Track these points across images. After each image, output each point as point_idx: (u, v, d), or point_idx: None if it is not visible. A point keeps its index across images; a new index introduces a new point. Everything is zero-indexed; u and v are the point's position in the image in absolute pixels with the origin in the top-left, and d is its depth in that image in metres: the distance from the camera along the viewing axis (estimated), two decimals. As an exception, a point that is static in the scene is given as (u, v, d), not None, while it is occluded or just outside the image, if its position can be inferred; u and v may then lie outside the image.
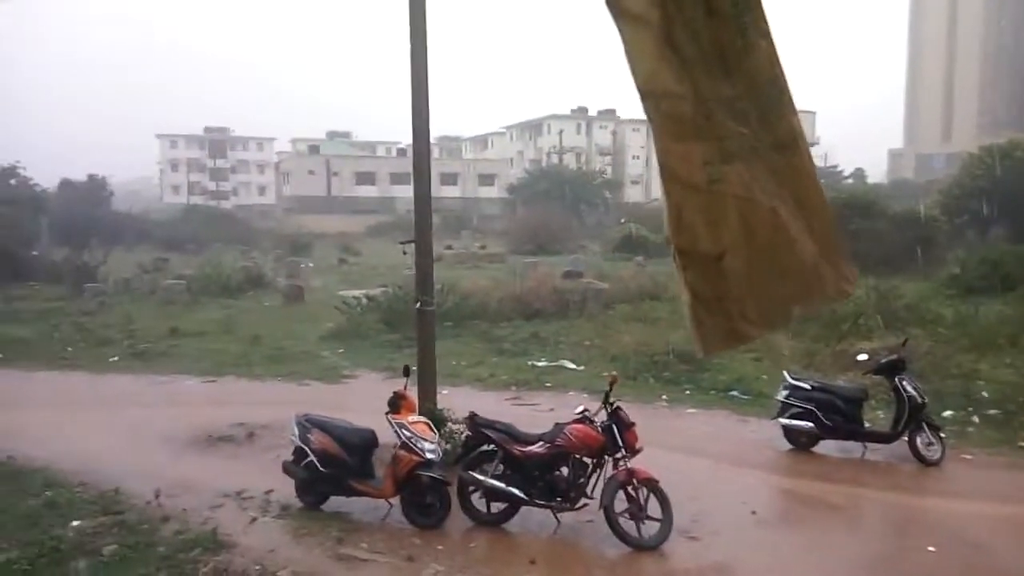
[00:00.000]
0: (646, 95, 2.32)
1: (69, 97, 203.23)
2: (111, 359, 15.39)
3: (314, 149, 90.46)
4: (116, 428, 10.61)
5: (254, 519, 7.27)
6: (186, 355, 15.67)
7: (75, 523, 6.77)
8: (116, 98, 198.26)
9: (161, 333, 17.68)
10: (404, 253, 10.03)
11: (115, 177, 50.27)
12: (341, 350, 16.23)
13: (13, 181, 39.10)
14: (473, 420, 7.45)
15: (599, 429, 7.05)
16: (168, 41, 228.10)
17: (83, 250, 27.58)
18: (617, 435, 6.95)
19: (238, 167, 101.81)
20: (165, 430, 10.35)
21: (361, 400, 11.61)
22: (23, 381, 14.06)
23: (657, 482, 6.91)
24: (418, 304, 9.28)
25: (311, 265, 34.77)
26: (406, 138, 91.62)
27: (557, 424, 7.26)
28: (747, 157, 2.44)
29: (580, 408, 7.32)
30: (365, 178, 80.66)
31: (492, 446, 7.29)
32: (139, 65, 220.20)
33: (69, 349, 16.26)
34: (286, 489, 7.74)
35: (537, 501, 7.10)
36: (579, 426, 7.07)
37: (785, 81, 2.51)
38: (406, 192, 78.20)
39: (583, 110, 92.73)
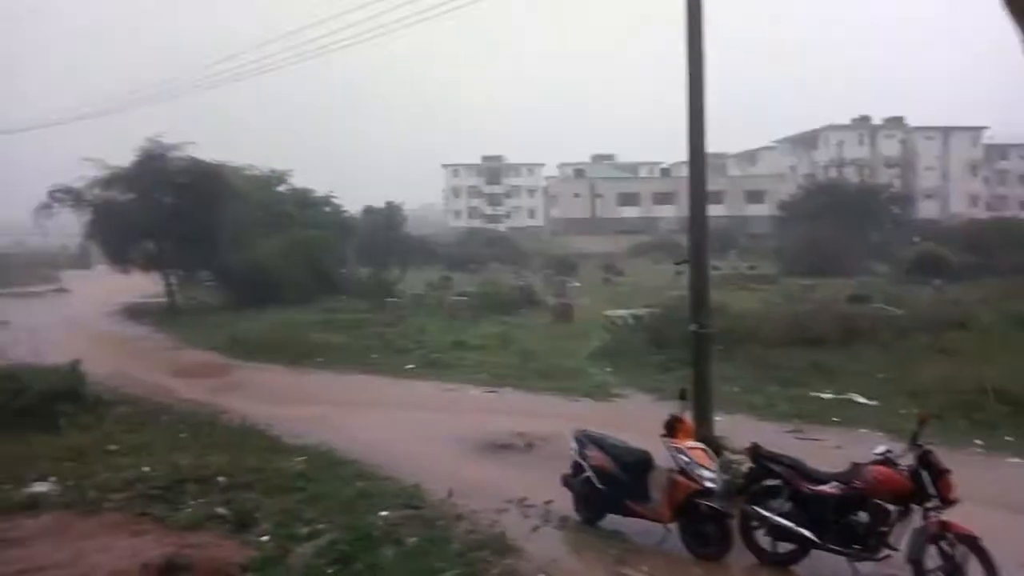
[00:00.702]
0: None
1: (369, 132, 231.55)
2: (407, 366, 17.11)
3: (579, 173, 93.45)
4: (413, 428, 11.76)
5: (536, 527, 7.58)
6: (469, 366, 16.91)
7: (383, 513, 7.55)
8: (408, 131, 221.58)
9: (447, 345, 19.29)
10: (678, 273, 9.87)
11: (407, 204, 55.93)
12: (609, 368, 16.44)
13: (328, 208, 45.15)
14: (756, 451, 7.08)
15: (905, 473, 6.31)
16: (452, 73, 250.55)
17: (383, 269, 31.06)
18: (928, 481, 6.16)
19: (511, 192, 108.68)
20: (454, 434, 11.24)
21: (631, 419, 11.64)
22: (338, 381, 16.22)
23: (978, 540, 6.00)
24: (693, 327, 9.07)
25: (578, 284, 35.80)
26: (668, 157, 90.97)
27: (854, 464, 6.64)
28: None
29: (881, 448, 6.62)
30: (628, 199, 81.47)
31: (777, 481, 6.87)
32: (425, 100, 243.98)
33: (374, 356, 18.37)
34: (564, 501, 7.97)
35: (831, 546, 6.52)
36: (881, 468, 6.39)
37: None
38: (668, 212, 77.54)
39: (865, 119, 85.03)
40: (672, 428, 7.31)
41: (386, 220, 50.13)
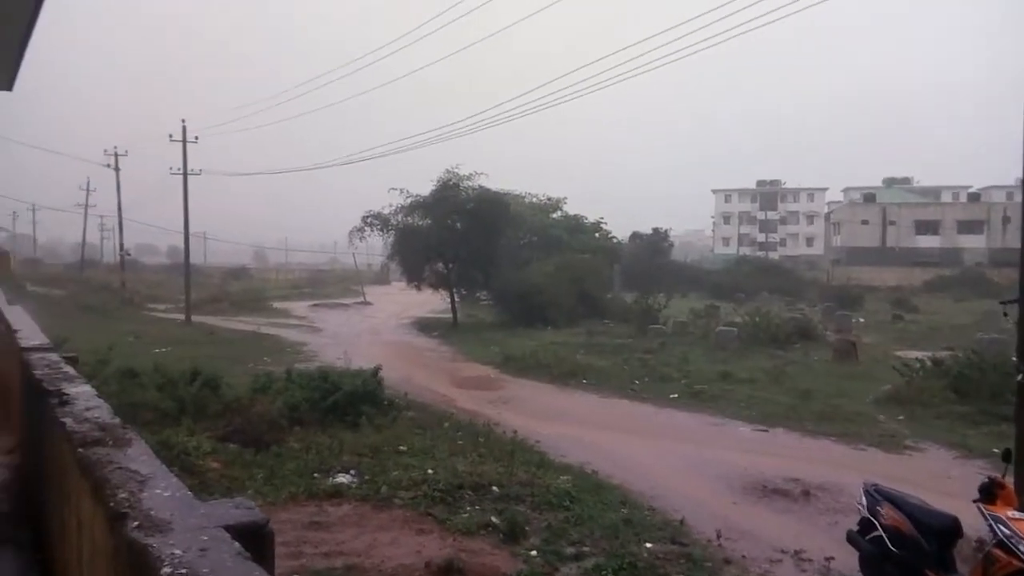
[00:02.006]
0: None
1: (641, 159, 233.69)
2: (671, 395, 16.81)
3: (869, 197, 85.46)
4: (677, 460, 11.48)
5: (814, 584, 6.98)
6: (737, 400, 16.15)
7: (648, 545, 7.45)
8: (679, 157, 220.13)
9: (714, 376, 18.63)
10: (1005, 315, 8.56)
11: (674, 230, 55.57)
12: (901, 416, 14.70)
13: (597, 234, 46.33)
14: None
15: None
16: (726, 96, 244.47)
17: (647, 294, 31.03)
18: None
19: (787, 218, 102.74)
20: (721, 471, 10.77)
21: (928, 477, 10.33)
22: (601, 404, 16.41)
23: None
24: (1021, 376, 7.77)
25: (862, 320, 32.79)
26: (978, 180, 79.89)
27: None
28: None
29: None
30: (926, 227, 72.79)
31: None
32: (704, 122, 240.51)
33: (636, 382, 18.33)
34: (846, 559, 7.23)
35: None
36: None
37: None
38: (975, 243, 67.98)
39: None
40: (990, 493, 6.29)
41: (652, 246, 50.15)
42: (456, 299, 35.09)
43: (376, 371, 14.17)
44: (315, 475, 9.52)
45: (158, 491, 2.48)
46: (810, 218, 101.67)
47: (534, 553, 7.12)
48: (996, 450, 6.87)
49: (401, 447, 11.00)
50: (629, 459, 11.37)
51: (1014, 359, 9.42)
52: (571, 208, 47.05)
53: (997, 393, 13.95)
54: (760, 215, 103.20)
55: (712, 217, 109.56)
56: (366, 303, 47.14)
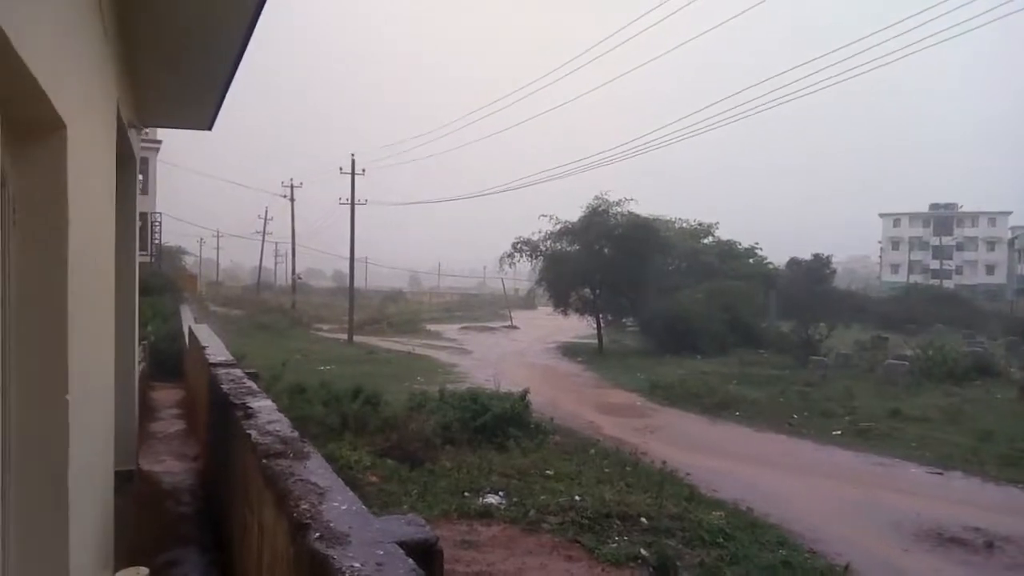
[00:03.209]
0: None
1: (802, 182, 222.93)
2: (834, 432, 15.81)
3: (1062, 221, 76.83)
4: (840, 502, 10.78)
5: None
6: (908, 440, 14.94)
7: (807, 589, 7.03)
8: (843, 179, 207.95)
9: (882, 413, 17.33)
10: None
11: (836, 256, 52.38)
12: (1104, 466, 13.01)
13: (751, 260, 44.64)
14: None
15: None
16: (889, 118, 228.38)
17: (807, 324, 29.42)
18: None
19: (964, 244, 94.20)
20: (890, 516, 10.01)
21: None
22: (754, 438, 15.72)
23: None
24: None
25: (1055, 356, 29.30)
26: None
27: None
28: None
29: None
30: None
31: None
32: (866, 146, 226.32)
33: (794, 416, 17.39)
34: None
35: None
36: None
37: None
38: None
39: None
40: None
41: (811, 273, 47.56)
42: (602, 325, 34.93)
43: (524, 395, 14.37)
44: (465, 494, 9.75)
45: (335, 504, 2.65)
46: (991, 244, 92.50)
47: (686, 590, 6.92)
48: None
49: (548, 471, 11.05)
50: (786, 498, 10.80)
51: None
52: (724, 234, 45.81)
53: None
54: (934, 240, 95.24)
55: (879, 242, 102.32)
56: (513, 327, 47.99)
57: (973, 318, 46.83)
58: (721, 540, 8.28)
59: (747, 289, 36.10)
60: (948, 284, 78.11)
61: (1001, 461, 13.26)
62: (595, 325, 34.58)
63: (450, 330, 45.19)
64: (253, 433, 3.98)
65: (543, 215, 34.13)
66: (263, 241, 71.28)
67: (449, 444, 12.44)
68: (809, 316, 32.01)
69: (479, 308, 64.86)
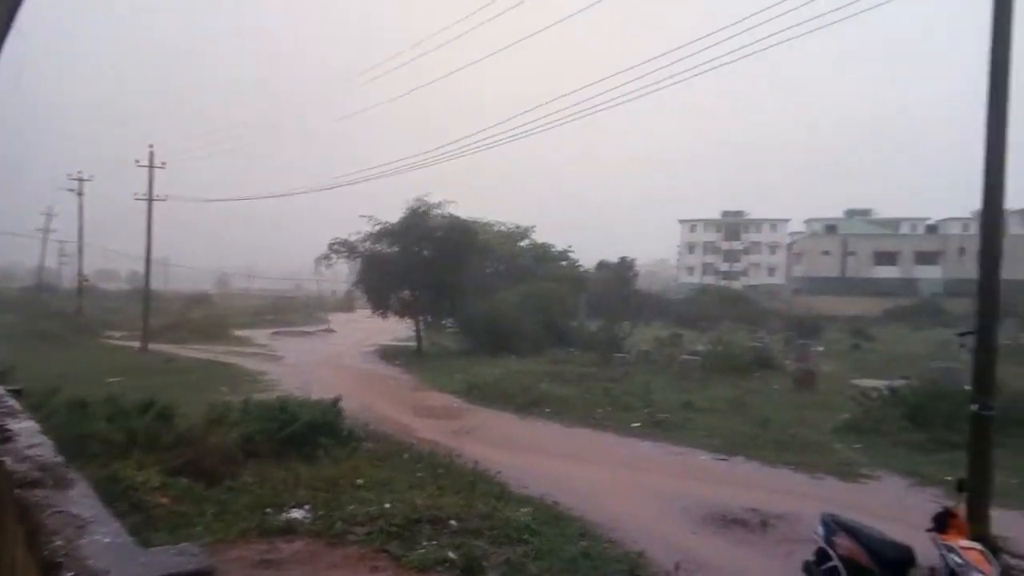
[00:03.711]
0: None
1: (611, 188, 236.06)
2: (633, 424, 16.81)
3: (830, 229, 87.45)
4: (637, 491, 11.43)
5: (770, 616, 6.95)
6: (699, 429, 16.21)
7: (606, 577, 7.38)
8: (647, 187, 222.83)
9: (676, 405, 18.70)
10: (961, 347, 8.73)
11: (640, 259, 55.99)
12: (858, 445, 14.89)
13: (564, 262, 46.56)
14: (1052, 563, 5.93)
15: None
16: (695, 127, 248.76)
17: (613, 323, 31.16)
18: None
19: (750, 248, 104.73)
20: (680, 500, 10.76)
21: (883, 506, 10.46)
22: (564, 433, 16.34)
23: None
24: (975, 407, 7.91)
25: (821, 349, 33.25)
26: (935, 212, 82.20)
27: None
28: None
29: None
30: (885, 258, 74.52)
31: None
32: (670, 153, 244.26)
33: (599, 410, 18.30)
34: (804, 591, 7.22)
35: None
36: None
37: None
38: (932, 273, 69.70)
39: None
40: (943, 523, 6.36)
41: (618, 275, 50.47)
42: (421, 327, 34.88)
43: (335, 401, 13.94)
44: (268, 510, 9.25)
45: (98, 537, 2.38)
46: (772, 248, 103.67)
47: (491, 588, 7.00)
48: (949, 478, 6.96)
49: (358, 480, 10.78)
50: (590, 490, 11.30)
51: (967, 387, 9.61)
52: (539, 237, 47.35)
53: (950, 421, 14.16)
54: (724, 245, 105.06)
55: (678, 247, 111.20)
56: (330, 330, 46.67)
57: (757, 316, 52.04)
58: (527, 536, 8.48)
59: (560, 290, 37.58)
60: (737, 285, 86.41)
61: (777, 446, 14.71)
62: (414, 327, 34.45)
63: (261, 335, 43.08)
64: (7, 460, 3.50)
65: (362, 215, 33.48)
66: (45, 238, 64.17)
67: (253, 458, 11.76)
68: (615, 316, 33.96)
69: (293, 311, 62.36)
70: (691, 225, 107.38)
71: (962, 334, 8.70)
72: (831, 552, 6.90)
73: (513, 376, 23.22)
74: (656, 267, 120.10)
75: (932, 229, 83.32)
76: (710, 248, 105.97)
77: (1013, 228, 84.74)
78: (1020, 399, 15.86)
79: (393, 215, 33.30)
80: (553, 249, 47.30)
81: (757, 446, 14.66)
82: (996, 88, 7.73)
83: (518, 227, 46.64)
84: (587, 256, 52.60)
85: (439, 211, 33.11)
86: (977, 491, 7.72)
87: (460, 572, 7.33)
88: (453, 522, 8.73)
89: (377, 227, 33.23)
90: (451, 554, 7.68)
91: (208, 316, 50.86)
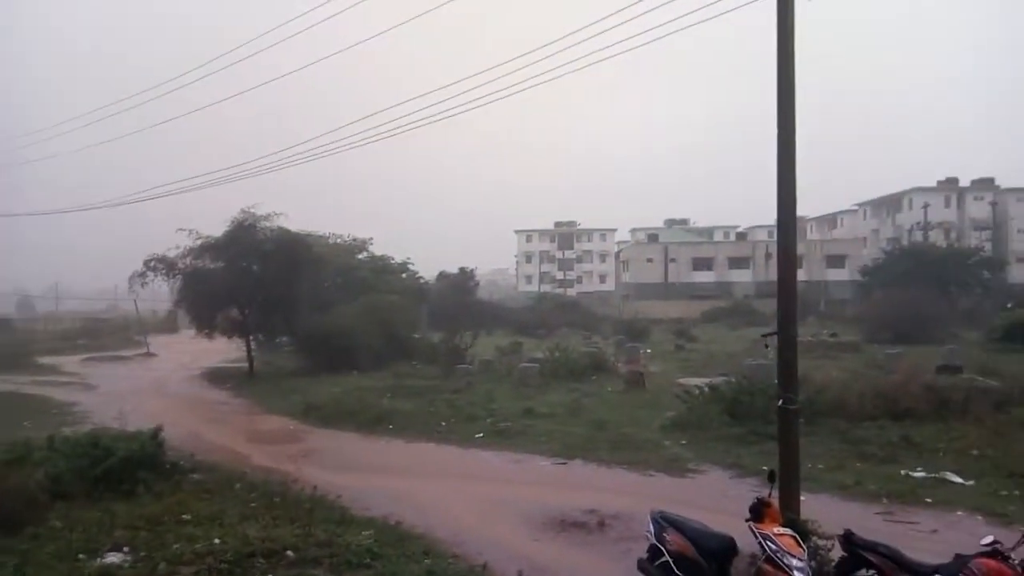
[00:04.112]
0: None
1: (445, 198, 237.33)
2: (476, 435, 16.92)
3: (652, 237, 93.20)
4: (480, 502, 11.50)
5: (610, 615, 7.20)
6: (538, 435, 16.59)
7: (450, 595, 7.34)
8: (484, 198, 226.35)
9: (517, 412, 19.04)
10: (765, 346, 9.49)
11: (480, 269, 56.82)
12: (684, 441, 15.85)
13: (404, 274, 46.22)
14: (849, 539, 6.60)
15: (1018, 568, 5.73)
16: (523, 141, 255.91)
17: (455, 333, 31.25)
18: (1045, 581, 5.58)
19: (583, 257, 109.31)
20: (522, 508, 10.95)
21: (708, 498, 11.17)
22: (407, 449, 16.15)
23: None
24: (781, 402, 8.63)
25: (649, 351, 35.16)
26: (744, 221, 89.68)
27: (958, 555, 6.09)
28: None
29: (988, 538, 6.05)
30: (702, 263, 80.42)
31: (872, 572, 6.36)
32: (496, 167, 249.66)
33: (442, 423, 18.27)
34: (639, 587, 7.55)
35: (933, 647, 5.96)
36: (990, 561, 5.82)
37: None
38: (743, 276, 75.98)
39: (952, 181, 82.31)
40: (758, 512, 6.90)
41: (458, 285, 50.85)
42: (253, 347, 33.05)
43: (156, 431, 12.91)
44: (80, 557, 8.41)
45: None
46: (602, 257, 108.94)
47: (331, 619, 6.74)
48: (765, 468, 7.55)
49: (184, 516, 10.04)
50: (433, 505, 11.23)
51: (776, 382, 10.52)
52: (378, 249, 46.65)
53: (765, 414, 15.39)
54: (558, 254, 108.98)
55: (515, 256, 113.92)
56: (150, 354, 43.22)
57: (590, 321, 54.22)
58: (369, 560, 8.27)
59: (401, 303, 37.18)
60: (571, 292, 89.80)
61: (612, 446, 15.35)
62: (245, 347, 32.62)
63: (70, 362, 39.14)
64: None
65: (181, 229, 31.19)
66: None
67: (62, 499, 10.70)
68: (456, 326, 34.06)
69: (109, 335, 57.21)
70: (527, 235, 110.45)
71: (765, 335, 9.46)
72: (662, 548, 7.28)
73: (354, 393, 22.66)
74: (496, 276, 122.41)
75: (742, 236, 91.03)
76: (546, 257, 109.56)
77: (810, 234, 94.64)
78: (824, 390, 17.64)
79: (216, 228, 31.36)
80: (392, 261, 46.83)
81: (594, 448, 15.22)
82: (784, 107, 8.51)
83: (355, 239, 45.75)
84: (427, 267, 52.67)
85: (267, 224, 31.53)
86: (787, 480, 8.42)
87: (298, 605, 7.01)
88: (290, 553, 8.35)
89: (199, 241, 31.14)
90: (288, 587, 7.32)
91: (8, 344, 45.54)
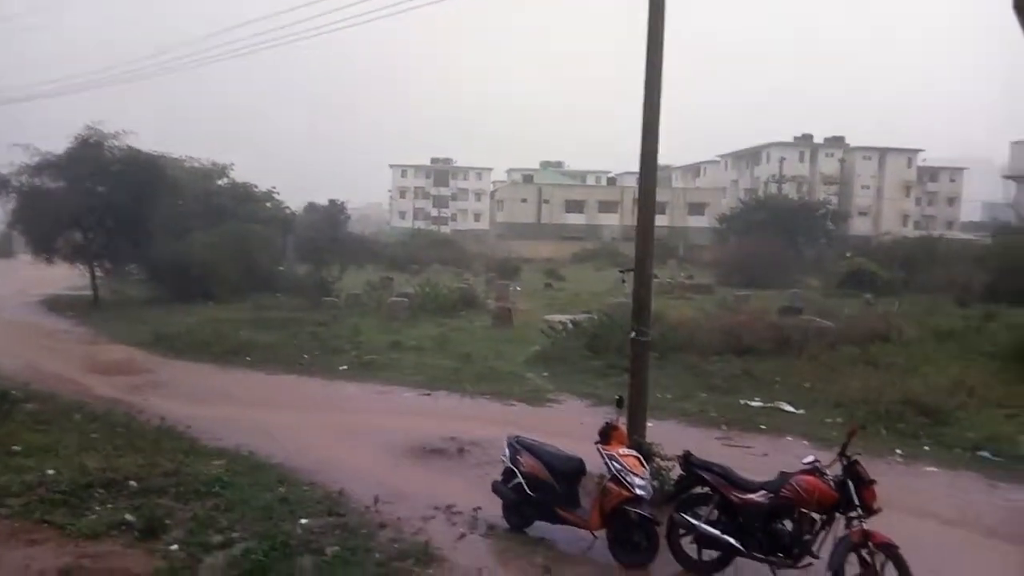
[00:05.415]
0: None
1: (316, 131, 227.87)
2: (341, 367, 16.66)
3: (528, 178, 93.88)
4: (342, 433, 11.40)
5: (463, 535, 7.38)
6: (405, 368, 16.57)
7: (303, 521, 7.25)
8: (358, 129, 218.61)
9: (384, 346, 18.91)
10: (623, 281, 9.83)
11: (351, 202, 55.09)
12: (546, 373, 16.35)
13: (268, 204, 44.09)
14: (688, 460, 7.05)
15: (832, 483, 6.34)
16: (400, 75, 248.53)
17: (322, 267, 30.38)
18: (853, 492, 6.20)
19: (458, 195, 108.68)
20: (384, 438, 10.95)
21: (566, 425, 11.59)
22: (266, 381, 15.68)
23: (896, 548, 6.06)
24: (633, 333, 9.00)
25: (519, 289, 35.74)
26: (616, 167, 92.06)
27: (782, 473, 6.65)
28: None
29: (809, 458, 6.64)
30: (574, 206, 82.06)
31: (707, 489, 6.85)
32: (371, 101, 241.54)
33: (306, 356, 17.84)
34: (493, 508, 7.79)
35: (755, 554, 6.53)
36: (808, 477, 6.40)
37: None
38: (612, 220, 78.38)
39: (807, 137, 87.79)
40: (606, 435, 7.23)
41: (328, 218, 49.23)
42: (99, 273, 30.71)
43: (-17, 359, 11.83)
44: None
45: None
46: (478, 195, 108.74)
47: (175, 547, 6.49)
48: (617, 397, 7.91)
49: (14, 447, 9.32)
50: (292, 436, 11.00)
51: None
52: (241, 176, 44.21)
53: (622, 348, 16.07)
54: (433, 191, 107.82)
55: (389, 191, 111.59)
56: (-21, 280, 39.34)
57: (463, 259, 54.28)
58: (218, 489, 8.02)
59: (264, 233, 35.57)
60: (446, 230, 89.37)
61: (476, 378, 15.57)
62: (89, 274, 30.24)
63: None
64: None
65: (16, 144, 28.19)
66: None
67: None
68: (325, 259, 33.14)
69: (-69, 258, 51.56)
70: (402, 170, 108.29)
71: (623, 271, 9.81)
72: (516, 470, 7.51)
73: (210, 324, 21.64)
74: (369, 211, 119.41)
75: (612, 181, 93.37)
76: (420, 193, 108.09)
77: (675, 183, 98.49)
78: (677, 328, 18.62)
79: (58, 146, 28.57)
80: (256, 189, 44.57)
81: (459, 380, 15.40)
82: (652, 56, 8.65)
83: (215, 164, 43.05)
84: (296, 198, 50.55)
85: (115, 143, 29.01)
86: (635, 406, 8.85)
87: (139, 533, 6.71)
88: (132, 483, 7.95)
89: (36, 158, 28.30)
90: (129, 516, 6.99)
91: None
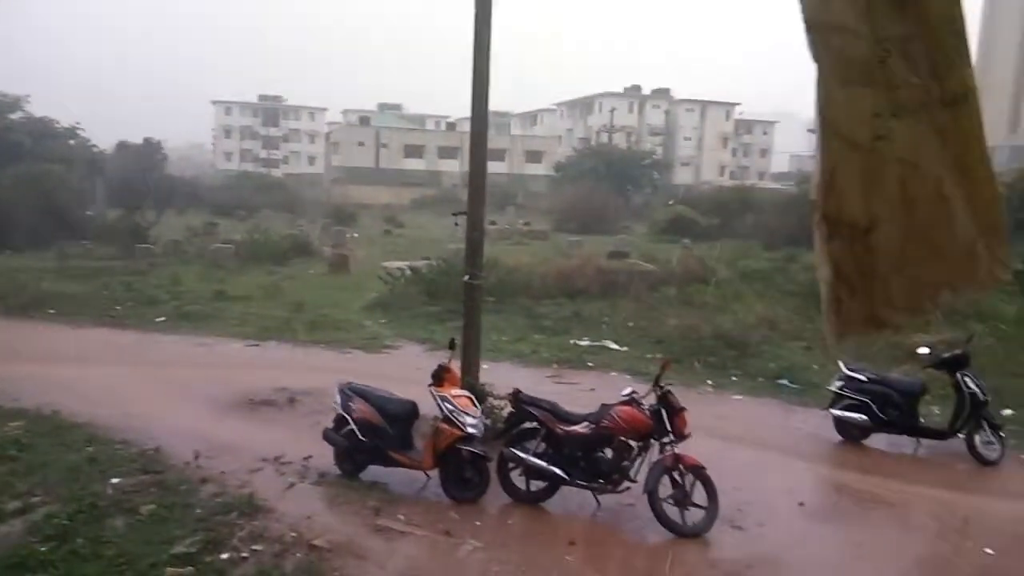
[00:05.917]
0: (813, 28, 2.03)
1: (126, 63, 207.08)
2: (157, 319, 15.58)
3: (365, 120, 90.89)
4: (159, 387, 10.71)
5: (292, 484, 7.22)
6: (231, 318, 15.79)
7: (114, 480, 6.79)
8: (172, 64, 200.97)
9: (207, 296, 17.87)
10: (456, 224, 9.86)
11: (170, 142, 50.93)
12: (383, 320, 16.20)
13: (72, 142, 39.91)
14: (517, 397, 7.28)
15: (647, 412, 6.81)
16: (218, 11, 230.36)
17: (136, 212, 28.01)
18: (665, 419, 6.71)
19: (290, 136, 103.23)
20: (207, 392, 10.40)
21: (402, 370, 11.59)
22: (72, 335, 14.36)
23: (704, 469, 6.68)
24: (467, 277, 9.08)
25: (356, 235, 34.96)
26: (456, 112, 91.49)
27: (604, 405, 7.04)
28: (916, 112, 2.11)
29: (627, 390, 7.08)
30: (413, 151, 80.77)
31: (535, 424, 7.13)
32: (191, 32, 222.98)
33: (117, 307, 16.50)
34: (325, 456, 7.67)
35: (578, 481, 6.92)
36: (626, 408, 6.84)
37: (964, 22, 2.12)
38: (453, 167, 78.29)
39: (636, 88, 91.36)
40: (439, 377, 7.29)
41: (143, 158, 45.29)
42: None
43: None
44: None
45: None
46: (312, 137, 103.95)
47: (-38, 518, 5.87)
48: (451, 339, 7.96)
49: None
50: (103, 393, 10.19)
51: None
52: (38, 110, 39.57)
53: (458, 294, 16.24)
54: (262, 131, 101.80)
55: (213, 130, 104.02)
56: None
57: (296, 204, 52.00)
58: (15, 452, 7.33)
59: (69, 174, 32.19)
60: (276, 173, 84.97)
61: (309, 327, 15.14)
62: None
63: None
64: None
65: None
66: None
67: None
68: (140, 203, 30.57)
69: None
70: (226, 107, 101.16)
71: (456, 213, 9.86)
72: (348, 417, 7.42)
73: (5, 274, 19.40)
74: (191, 152, 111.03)
75: (452, 127, 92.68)
76: (248, 133, 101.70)
77: (514, 130, 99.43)
78: (513, 272, 19.02)
79: None
80: (58, 125, 40.13)
81: (290, 329, 14.91)
82: (481, 12, 8.56)
83: (5, 96, 38.24)
84: (106, 135, 46.03)
85: None
86: (468, 348, 8.98)
87: (-83, 509, 6.00)
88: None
89: None
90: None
91: None
